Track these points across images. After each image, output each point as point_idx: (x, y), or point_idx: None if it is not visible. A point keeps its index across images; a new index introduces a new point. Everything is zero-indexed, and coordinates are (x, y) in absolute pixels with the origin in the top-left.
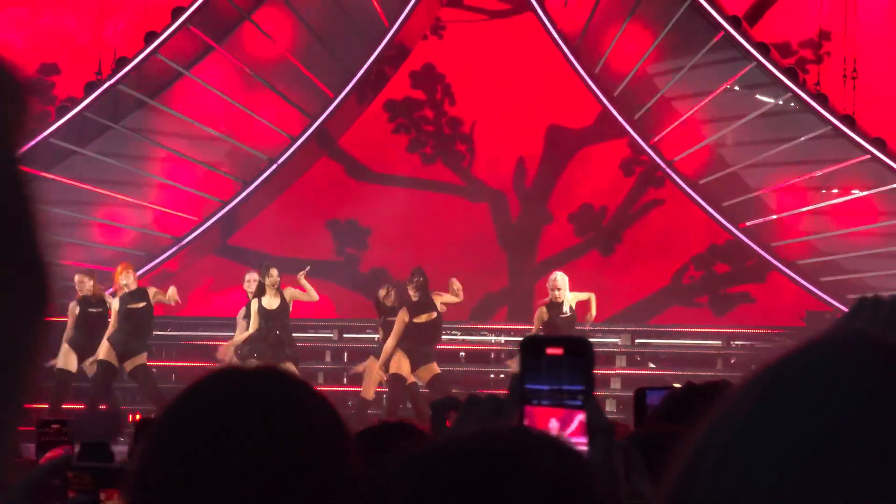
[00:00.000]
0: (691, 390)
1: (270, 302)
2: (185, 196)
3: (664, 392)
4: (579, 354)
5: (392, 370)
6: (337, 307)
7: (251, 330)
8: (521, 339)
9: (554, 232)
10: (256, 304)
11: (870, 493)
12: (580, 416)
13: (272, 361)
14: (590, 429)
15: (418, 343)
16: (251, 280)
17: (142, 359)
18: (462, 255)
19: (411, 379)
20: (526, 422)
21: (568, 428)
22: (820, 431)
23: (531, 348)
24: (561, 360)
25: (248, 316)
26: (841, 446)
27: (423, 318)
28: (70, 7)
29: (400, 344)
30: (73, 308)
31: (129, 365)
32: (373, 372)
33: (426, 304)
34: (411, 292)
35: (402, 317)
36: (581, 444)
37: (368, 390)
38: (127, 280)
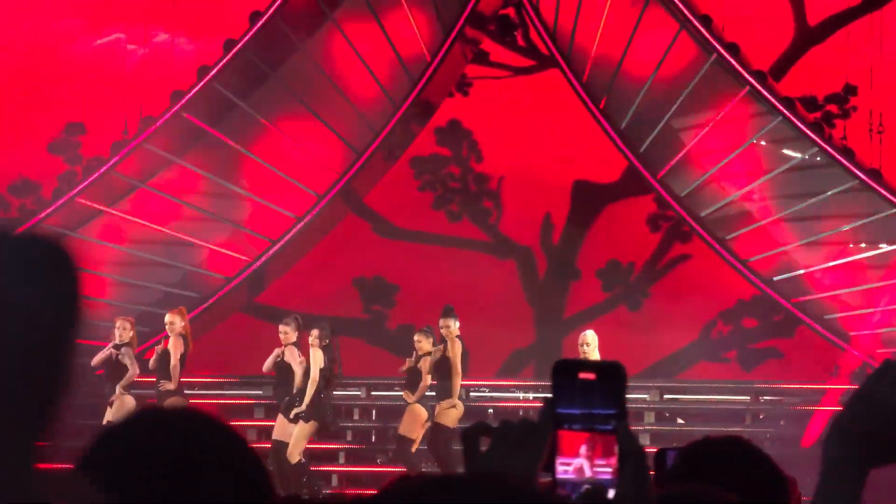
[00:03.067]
0: (707, 445)
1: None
2: (213, 254)
3: None
4: (611, 379)
5: (438, 419)
6: (364, 364)
7: (312, 385)
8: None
9: (581, 288)
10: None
11: None
12: (611, 441)
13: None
14: (621, 453)
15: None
16: (286, 332)
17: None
18: (489, 311)
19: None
20: (558, 447)
21: (599, 452)
22: None
23: (564, 372)
24: (593, 385)
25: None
26: None
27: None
28: (96, 66)
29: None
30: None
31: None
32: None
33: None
34: (455, 329)
35: (459, 348)
36: (610, 467)
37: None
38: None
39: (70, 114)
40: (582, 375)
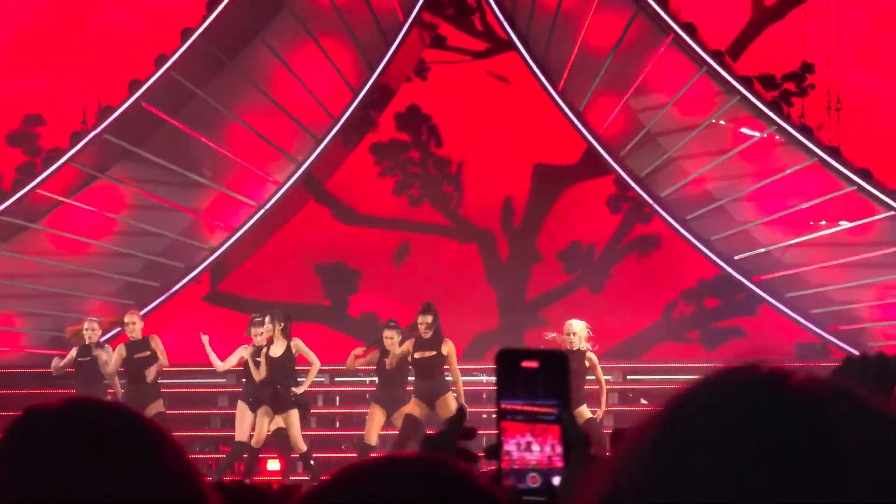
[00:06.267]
0: None
1: (274, 350)
2: (174, 243)
3: None
4: (554, 368)
5: (406, 410)
6: (327, 352)
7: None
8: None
9: (543, 270)
10: (264, 352)
11: None
12: (556, 430)
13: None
14: (565, 443)
15: (420, 379)
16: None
17: (158, 406)
18: (452, 295)
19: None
20: (504, 436)
21: (544, 441)
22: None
23: (506, 361)
24: (536, 373)
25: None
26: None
27: (422, 355)
28: (54, 57)
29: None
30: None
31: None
32: (375, 416)
33: (432, 342)
34: (422, 329)
35: (406, 347)
36: (556, 456)
37: (371, 435)
38: (135, 328)
39: (28, 105)
40: (525, 364)
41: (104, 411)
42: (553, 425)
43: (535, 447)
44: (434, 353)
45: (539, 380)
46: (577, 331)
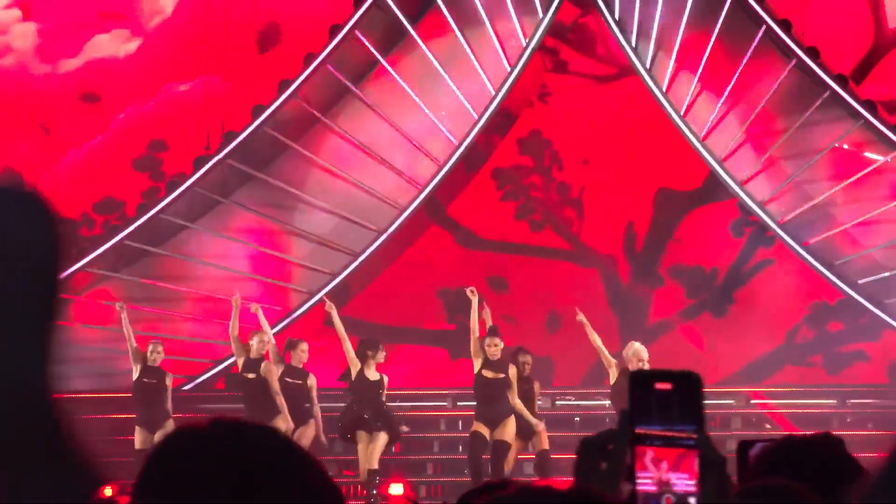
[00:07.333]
0: (790, 443)
1: (372, 374)
2: (296, 268)
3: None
4: (688, 390)
5: (497, 437)
6: (450, 375)
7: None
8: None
9: (665, 294)
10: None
11: None
12: (692, 452)
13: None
14: (702, 464)
15: (485, 402)
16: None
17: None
18: (572, 320)
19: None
20: (637, 462)
21: (679, 463)
22: None
23: (640, 383)
24: (670, 395)
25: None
26: None
27: (489, 374)
28: (177, 83)
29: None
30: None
31: None
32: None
33: (502, 364)
34: (492, 350)
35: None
36: (691, 478)
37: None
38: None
39: (153, 131)
40: (658, 386)
41: (251, 432)
42: (689, 449)
43: (671, 471)
44: (504, 375)
45: (674, 401)
46: (645, 356)
